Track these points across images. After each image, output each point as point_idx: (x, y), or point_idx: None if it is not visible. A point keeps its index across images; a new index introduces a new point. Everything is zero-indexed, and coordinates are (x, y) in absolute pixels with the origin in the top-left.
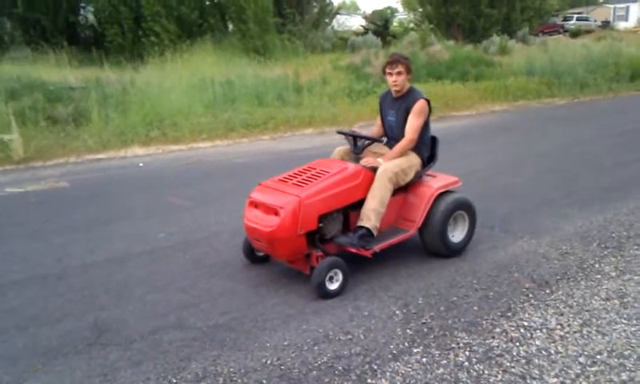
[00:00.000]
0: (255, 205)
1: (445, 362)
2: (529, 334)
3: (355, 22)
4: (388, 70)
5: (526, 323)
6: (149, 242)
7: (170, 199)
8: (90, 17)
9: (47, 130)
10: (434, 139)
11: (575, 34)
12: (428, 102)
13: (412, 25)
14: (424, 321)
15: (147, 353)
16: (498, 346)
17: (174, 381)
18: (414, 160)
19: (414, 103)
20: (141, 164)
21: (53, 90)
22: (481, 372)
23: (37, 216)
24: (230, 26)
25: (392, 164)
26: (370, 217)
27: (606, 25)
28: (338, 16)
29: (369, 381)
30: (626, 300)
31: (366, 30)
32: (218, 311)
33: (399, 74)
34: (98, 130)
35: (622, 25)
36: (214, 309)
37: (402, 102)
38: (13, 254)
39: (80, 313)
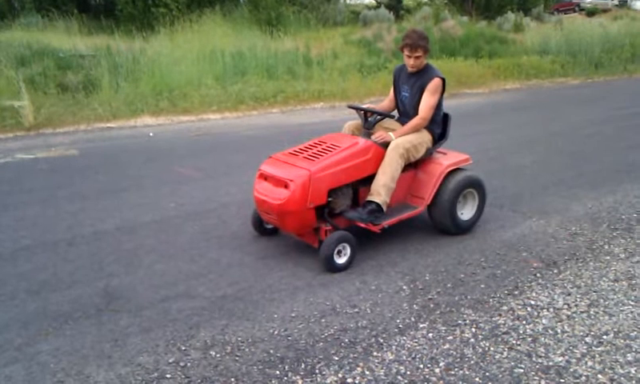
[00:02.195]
0: (265, 177)
1: (451, 337)
2: (535, 313)
3: None
4: (407, 53)
5: (532, 302)
6: (158, 212)
7: (179, 170)
8: None
9: (57, 98)
10: (446, 116)
11: (591, 12)
12: (443, 80)
13: None
14: (430, 296)
15: (157, 320)
16: (504, 324)
17: (183, 348)
18: (426, 136)
19: (430, 81)
20: (151, 134)
21: (63, 58)
22: (487, 349)
23: (47, 183)
24: None
25: (403, 140)
26: (380, 192)
27: (623, 4)
28: None
29: (375, 354)
30: (634, 282)
31: (379, 4)
32: (226, 282)
33: (417, 58)
34: (108, 99)
35: (638, 4)
36: (222, 279)
37: (417, 79)
38: (23, 220)
39: (90, 279)
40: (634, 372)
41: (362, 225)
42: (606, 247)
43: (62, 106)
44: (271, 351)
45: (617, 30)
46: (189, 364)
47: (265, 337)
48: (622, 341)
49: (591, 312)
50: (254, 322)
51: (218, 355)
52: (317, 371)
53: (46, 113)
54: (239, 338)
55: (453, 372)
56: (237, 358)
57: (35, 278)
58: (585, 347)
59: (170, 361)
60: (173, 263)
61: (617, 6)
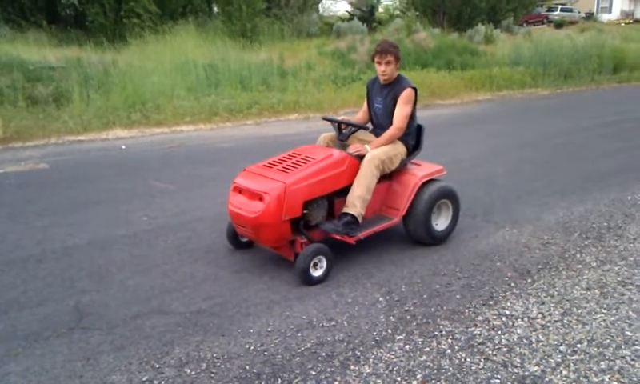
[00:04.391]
0: (239, 190)
1: (427, 349)
2: (510, 323)
3: (341, 7)
4: (377, 59)
5: (507, 312)
6: (131, 226)
7: (153, 183)
8: None
9: (27, 111)
10: (419, 128)
11: (559, 24)
12: (415, 90)
13: (397, 11)
14: (407, 308)
15: (129, 337)
16: (480, 334)
17: (157, 366)
18: (400, 148)
19: (402, 91)
20: (123, 146)
21: (32, 70)
22: (463, 360)
23: (16, 198)
24: (215, 9)
25: (379, 151)
26: (355, 204)
27: (589, 16)
28: (324, 1)
29: (352, 367)
30: (605, 290)
31: (352, 16)
32: (201, 296)
33: (388, 63)
34: (79, 112)
35: (605, 17)
36: (197, 294)
37: (389, 90)
38: None
39: (61, 296)
40: (607, 380)
41: (338, 237)
42: (578, 256)
43: (31, 119)
44: (247, 367)
45: (584, 42)
46: (163, 382)
47: (241, 352)
48: (595, 349)
49: (565, 321)
50: (230, 337)
51: (193, 372)
52: None
53: (15, 126)
54: (215, 355)
55: None
56: (212, 375)
57: (4, 296)
58: (559, 356)
59: (144, 379)
60: (146, 278)
61: (584, 18)
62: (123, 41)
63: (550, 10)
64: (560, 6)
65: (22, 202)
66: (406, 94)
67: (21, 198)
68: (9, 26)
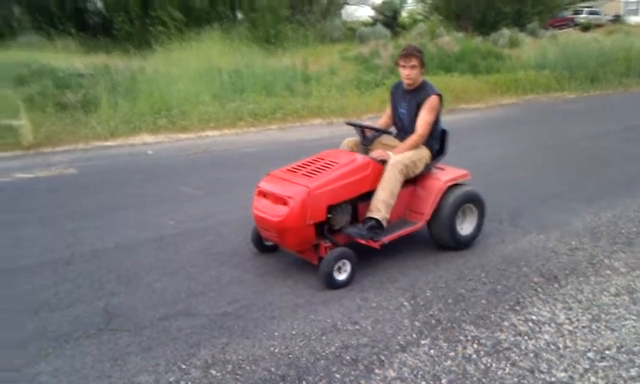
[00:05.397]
0: (264, 194)
1: (453, 354)
2: (537, 328)
3: (364, 13)
4: (402, 63)
5: (534, 317)
6: (158, 230)
7: (179, 188)
8: (99, 3)
9: (56, 117)
10: (443, 132)
11: (586, 27)
12: (440, 97)
13: (421, 16)
14: (432, 313)
15: (157, 339)
16: (506, 340)
17: (184, 367)
18: (424, 153)
19: (427, 98)
20: (150, 152)
21: (62, 77)
22: (489, 365)
23: (46, 202)
24: (240, 15)
25: (403, 156)
26: (379, 208)
27: (616, 19)
28: (347, 6)
29: (376, 371)
30: (635, 296)
31: (375, 21)
32: (226, 299)
33: (413, 67)
34: (107, 118)
35: (632, 19)
36: (222, 297)
37: (414, 96)
38: (23, 240)
39: (90, 298)
40: None
41: (362, 241)
42: (607, 261)
43: (60, 124)
44: (272, 369)
45: (611, 45)
46: (189, 383)
47: (265, 355)
48: (624, 356)
49: (593, 327)
50: (255, 339)
51: (218, 374)
52: None
53: (45, 132)
54: (240, 357)
55: None
56: (238, 377)
57: (35, 298)
58: (587, 363)
59: (171, 380)
60: (172, 281)
61: (611, 21)
62: (149, 48)
63: (576, 12)
64: (586, 9)
65: (52, 206)
66: (431, 102)
67: (51, 203)
68: (39, 34)
